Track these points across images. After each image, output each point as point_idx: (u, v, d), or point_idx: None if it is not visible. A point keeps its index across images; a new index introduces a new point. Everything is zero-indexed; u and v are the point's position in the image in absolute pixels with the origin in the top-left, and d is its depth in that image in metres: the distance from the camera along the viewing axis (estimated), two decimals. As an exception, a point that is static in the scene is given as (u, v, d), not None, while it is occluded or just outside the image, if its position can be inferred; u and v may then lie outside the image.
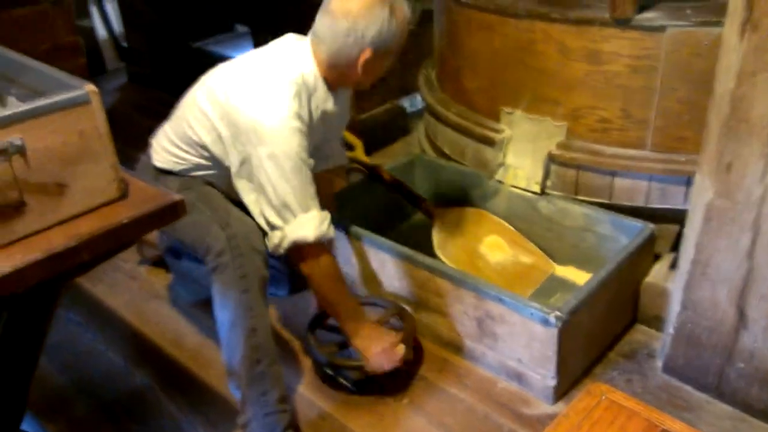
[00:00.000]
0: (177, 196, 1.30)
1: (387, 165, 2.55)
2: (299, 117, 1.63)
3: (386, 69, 1.76)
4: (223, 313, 1.66)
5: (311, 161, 1.67)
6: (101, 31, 4.41)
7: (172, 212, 1.30)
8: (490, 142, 2.38)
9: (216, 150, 1.73)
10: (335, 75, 1.71)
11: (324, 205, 1.95)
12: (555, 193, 2.25)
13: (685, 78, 1.93)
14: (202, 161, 1.79)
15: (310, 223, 1.64)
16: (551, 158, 2.22)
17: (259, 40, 3.64)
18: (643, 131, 2.06)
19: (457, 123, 2.53)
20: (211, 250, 1.64)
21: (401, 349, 1.80)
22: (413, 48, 3.33)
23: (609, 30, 1.99)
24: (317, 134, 1.77)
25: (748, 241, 1.55)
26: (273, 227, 1.66)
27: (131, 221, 1.24)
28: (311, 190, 1.66)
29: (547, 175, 2.25)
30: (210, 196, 1.77)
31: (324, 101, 1.73)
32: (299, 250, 1.67)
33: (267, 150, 1.59)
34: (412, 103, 3.53)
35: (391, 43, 1.66)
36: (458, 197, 2.48)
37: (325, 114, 1.75)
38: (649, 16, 1.94)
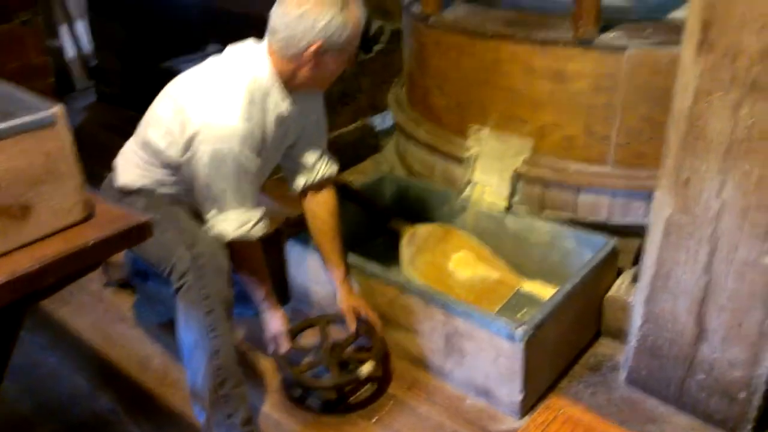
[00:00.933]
0: (144, 217, 1.30)
1: (357, 182, 2.57)
2: (248, 120, 1.65)
3: (338, 69, 1.75)
4: (187, 334, 1.66)
5: (257, 161, 1.69)
6: (70, 51, 4.38)
7: (138, 233, 1.30)
8: (458, 160, 2.42)
9: (172, 153, 1.73)
10: (289, 72, 1.71)
11: (327, 223, 1.99)
12: (521, 208, 2.29)
13: (645, 96, 1.99)
14: (164, 171, 1.78)
15: (232, 221, 1.70)
16: (518, 175, 2.26)
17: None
18: (606, 148, 2.11)
19: (426, 141, 2.56)
20: (175, 270, 1.64)
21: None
22: (383, 66, 3.39)
23: (572, 50, 2.04)
24: (280, 138, 1.80)
25: (706, 255, 1.60)
26: (206, 218, 1.73)
27: (97, 243, 1.24)
28: (247, 190, 1.70)
29: (513, 191, 2.29)
30: (176, 215, 1.77)
31: (279, 103, 1.73)
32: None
33: (211, 148, 1.61)
34: (382, 120, 3.56)
35: (341, 39, 1.66)
36: (427, 214, 2.50)
37: (281, 117, 1.75)
38: (611, 37, 2.00)
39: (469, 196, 2.37)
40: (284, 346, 1.90)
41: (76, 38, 4.34)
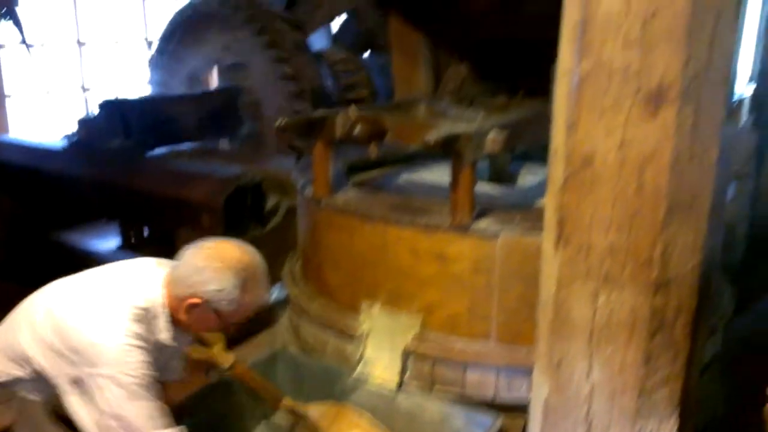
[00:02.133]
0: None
1: (249, 361, 2.52)
2: (138, 336, 1.63)
3: (213, 327, 1.80)
4: None
5: (155, 374, 1.65)
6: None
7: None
8: (350, 336, 2.45)
9: (44, 363, 1.66)
10: (174, 308, 1.73)
11: None
12: (413, 386, 2.31)
13: (519, 278, 2.14)
14: (25, 375, 1.70)
15: None
16: (408, 351, 2.30)
17: (126, 232, 3.64)
18: (488, 325, 2.22)
19: (319, 316, 2.59)
20: None
21: None
22: (279, 240, 3.47)
23: (451, 235, 2.20)
24: (165, 359, 1.79)
25: (583, 436, 1.66)
26: None
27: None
28: (160, 405, 1.64)
29: (405, 368, 2.32)
30: (29, 417, 1.67)
31: (161, 331, 1.73)
32: None
33: (107, 372, 1.57)
34: (278, 292, 3.57)
35: (224, 308, 1.68)
36: (321, 393, 2.46)
37: (161, 345, 1.74)
38: (484, 224, 2.17)
39: (362, 374, 2.38)
40: None
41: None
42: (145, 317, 1.67)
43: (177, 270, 1.71)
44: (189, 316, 1.71)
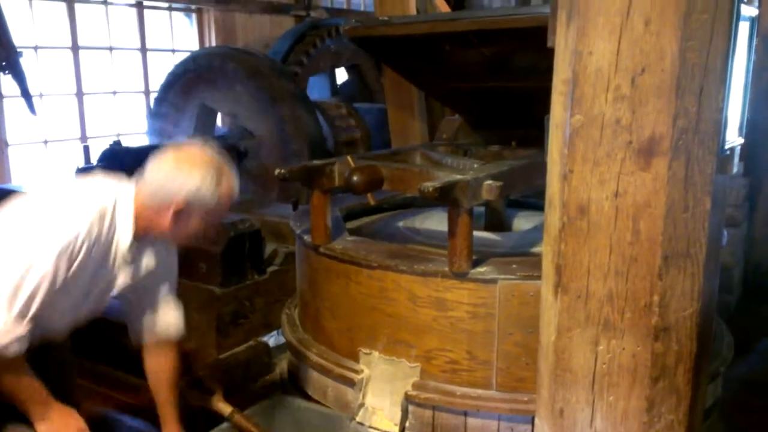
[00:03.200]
0: None
1: (247, 409, 2.51)
2: (81, 242, 1.67)
3: (198, 230, 1.83)
4: None
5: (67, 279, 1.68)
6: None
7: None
8: (350, 383, 2.44)
9: None
10: (147, 217, 1.78)
11: (166, 379, 2.05)
12: (414, 433, 2.30)
13: (518, 324, 2.15)
14: None
15: None
16: (408, 398, 2.30)
17: None
18: (488, 372, 2.22)
19: (318, 363, 2.58)
20: None
21: None
22: (277, 286, 3.48)
23: (450, 281, 2.21)
24: (116, 272, 1.84)
25: (588, 485, 1.65)
26: None
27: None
28: (28, 303, 1.64)
29: (405, 415, 2.31)
30: None
31: (124, 237, 1.78)
32: None
33: (27, 252, 1.64)
34: (277, 337, 3.56)
35: (206, 204, 1.76)
36: (321, 441, 2.45)
37: (123, 254, 1.80)
38: (482, 270, 2.19)
39: (363, 421, 2.37)
40: None
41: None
42: (110, 218, 1.74)
43: (146, 184, 1.76)
44: (174, 225, 1.76)
